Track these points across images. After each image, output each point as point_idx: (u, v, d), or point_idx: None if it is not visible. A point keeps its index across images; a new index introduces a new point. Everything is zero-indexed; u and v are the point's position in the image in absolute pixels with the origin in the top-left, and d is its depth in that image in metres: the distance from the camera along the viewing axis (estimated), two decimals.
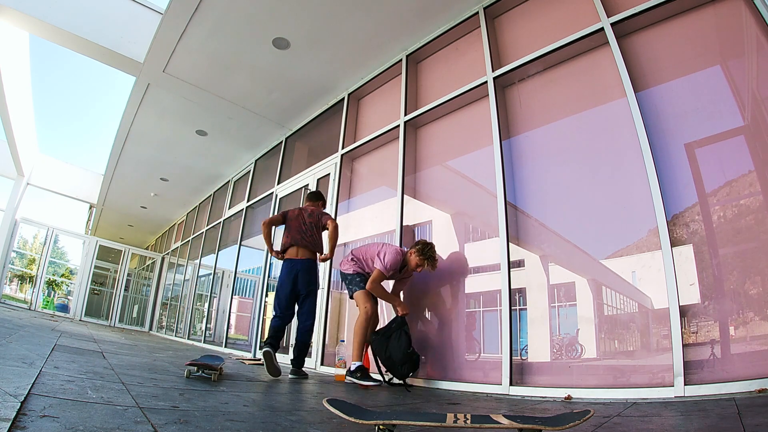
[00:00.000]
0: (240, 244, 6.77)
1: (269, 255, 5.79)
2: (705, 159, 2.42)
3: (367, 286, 3.17)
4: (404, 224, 3.86)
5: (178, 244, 10.74)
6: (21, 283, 19.76)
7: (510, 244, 2.98)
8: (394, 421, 1.29)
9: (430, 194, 3.92)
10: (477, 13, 3.81)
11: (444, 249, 3.65)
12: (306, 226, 3.56)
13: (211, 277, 7.85)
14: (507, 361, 2.73)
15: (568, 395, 2.37)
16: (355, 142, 4.80)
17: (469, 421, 1.25)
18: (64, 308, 12.11)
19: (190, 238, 9.73)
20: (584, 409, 1.30)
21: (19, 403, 1.17)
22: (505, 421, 1.24)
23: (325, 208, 3.96)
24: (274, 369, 3.10)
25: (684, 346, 2.10)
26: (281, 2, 3.91)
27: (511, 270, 2.93)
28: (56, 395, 1.40)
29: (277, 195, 5.96)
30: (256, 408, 1.78)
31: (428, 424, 1.26)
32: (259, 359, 4.87)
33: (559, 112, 3.17)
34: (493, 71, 3.48)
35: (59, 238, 12.66)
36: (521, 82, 3.42)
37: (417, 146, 4.15)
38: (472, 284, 3.41)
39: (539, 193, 3.11)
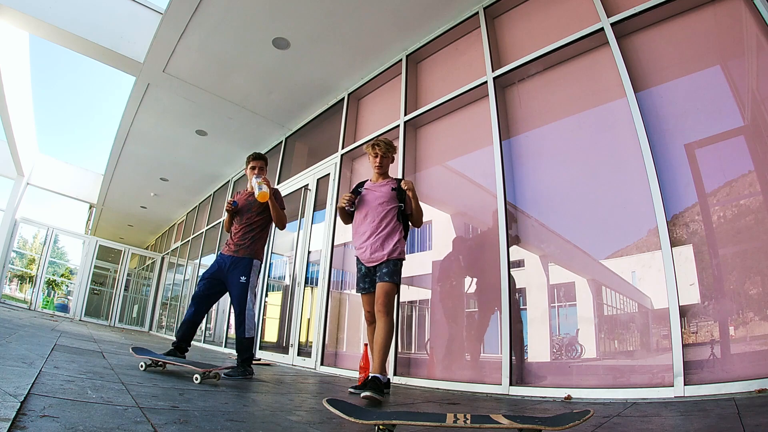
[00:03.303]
0: None
1: (269, 254, 5.81)
2: (705, 159, 2.42)
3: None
4: None
5: (178, 244, 10.74)
6: (21, 283, 19.79)
7: (510, 244, 2.98)
8: (393, 421, 1.29)
9: (430, 194, 3.92)
10: (477, 13, 3.81)
11: (444, 248, 3.66)
12: None
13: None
14: (507, 361, 2.73)
15: (568, 395, 2.37)
16: (355, 142, 4.80)
17: (469, 421, 1.25)
18: (63, 308, 12.12)
19: (190, 238, 9.73)
20: (584, 409, 1.30)
21: (19, 403, 1.17)
22: (505, 421, 1.24)
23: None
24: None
25: (684, 346, 2.10)
26: (281, 2, 3.91)
27: (511, 270, 2.93)
28: (56, 395, 1.40)
29: None
30: (256, 408, 1.78)
31: (428, 424, 1.27)
32: (259, 359, 4.87)
33: (559, 112, 3.17)
34: (493, 71, 3.48)
35: (59, 238, 12.69)
36: (521, 82, 3.42)
37: (417, 146, 4.15)
38: (472, 284, 3.40)
39: (539, 193, 3.11)
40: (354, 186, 2.92)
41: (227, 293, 3.09)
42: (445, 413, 1.41)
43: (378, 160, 2.76)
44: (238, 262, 3.03)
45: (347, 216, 2.80)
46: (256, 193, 2.97)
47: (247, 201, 3.19)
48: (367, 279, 2.67)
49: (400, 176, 3.96)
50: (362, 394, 2.14)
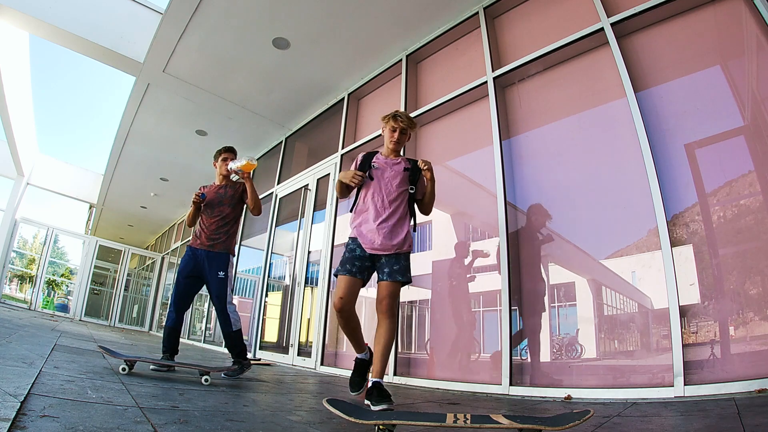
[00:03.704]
0: (240, 244, 6.77)
1: (269, 254, 5.80)
2: (705, 159, 2.42)
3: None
4: None
5: (178, 244, 10.74)
6: (21, 283, 19.81)
7: (510, 244, 2.98)
8: (393, 421, 1.29)
9: None
10: (477, 13, 3.81)
11: (444, 248, 3.66)
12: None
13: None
14: (507, 361, 2.73)
15: (568, 395, 2.37)
16: (355, 142, 4.80)
17: (469, 421, 1.25)
18: (63, 308, 12.12)
19: (190, 238, 9.73)
20: (584, 409, 1.30)
21: (19, 403, 1.17)
22: (505, 421, 1.24)
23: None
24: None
25: (684, 346, 2.10)
26: (281, 2, 3.91)
27: (511, 270, 2.93)
28: (56, 395, 1.40)
29: (277, 195, 5.97)
30: (256, 408, 1.78)
31: (428, 424, 1.26)
32: (259, 359, 4.88)
33: (559, 112, 3.17)
34: (493, 71, 3.48)
35: (59, 238, 12.69)
36: (521, 82, 3.42)
37: (417, 146, 4.15)
38: (472, 284, 3.40)
39: (539, 193, 3.11)
40: (361, 157, 2.43)
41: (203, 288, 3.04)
42: (445, 413, 1.41)
43: (396, 135, 2.39)
44: (214, 257, 2.97)
45: (347, 190, 2.39)
46: (240, 165, 2.92)
47: (217, 194, 3.10)
48: (357, 263, 2.23)
49: None
50: (378, 408, 1.89)
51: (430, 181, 2.37)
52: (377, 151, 2.49)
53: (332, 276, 4.41)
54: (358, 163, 2.41)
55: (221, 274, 2.93)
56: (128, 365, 2.33)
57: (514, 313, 2.88)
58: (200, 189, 3.15)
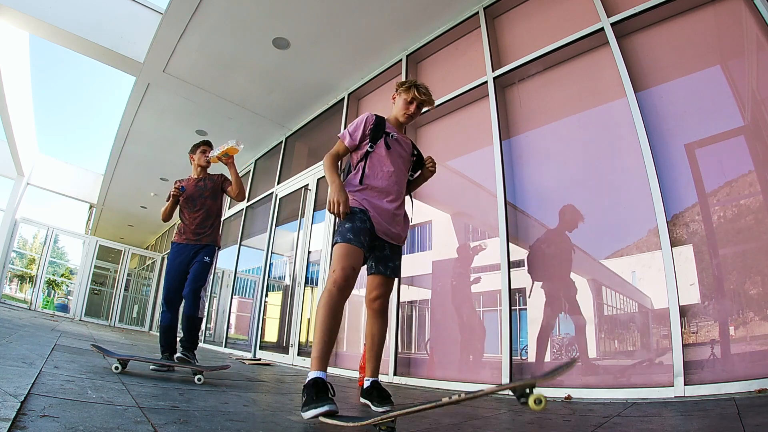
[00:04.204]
0: (240, 244, 6.78)
1: (269, 254, 5.80)
2: (705, 159, 2.42)
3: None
4: None
5: None
6: (21, 283, 19.82)
7: (510, 244, 2.98)
8: (390, 414, 1.29)
9: (430, 194, 3.92)
10: (477, 13, 3.81)
11: (444, 248, 3.66)
12: None
13: (211, 277, 7.83)
14: (507, 361, 2.73)
15: (568, 395, 2.37)
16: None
17: (463, 395, 1.24)
18: (64, 308, 12.13)
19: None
20: (570, 359, 1.30)
21: (19, 403, 1.17)
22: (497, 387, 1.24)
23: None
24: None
25: (684, 346, 2.11)
26: (281, 2, 3.91)
27: (511, 270, 2.93)
28: (56, 395, 1.40)
29: (277, 195, 5.97)
30: (256, 408, 1.78)
31: (425, 406, 1.26)
32: (260, 359, 4.87)
33: (559, 112, 3.17)
34: (493, 71, 3.48)
35: (59, 238, 12.69)
36: (521, 82, 3.42)
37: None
38: (472, 284, 3.40)
39: (539, 193, 3.11)
40: (374, 120, 2.04)
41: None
42: (440, 397, 1.40)
43: (413, 108, 2.09)
44: (202, 247, 2.98)
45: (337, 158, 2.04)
46: (225, 148, 2.87)
47: (197, 187, 3.04)
48: (368, 239, 1.89)
49: None
50: (381, 410, 1.77)
51: (426, 180, 2.27)
52: (386, 119, 2.12)
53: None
54: (371, 125, 2.02)
55: (207, 259, 2.95)
56: (121, 364, 2.32)
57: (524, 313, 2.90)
58: (177, 182, 3.09)
